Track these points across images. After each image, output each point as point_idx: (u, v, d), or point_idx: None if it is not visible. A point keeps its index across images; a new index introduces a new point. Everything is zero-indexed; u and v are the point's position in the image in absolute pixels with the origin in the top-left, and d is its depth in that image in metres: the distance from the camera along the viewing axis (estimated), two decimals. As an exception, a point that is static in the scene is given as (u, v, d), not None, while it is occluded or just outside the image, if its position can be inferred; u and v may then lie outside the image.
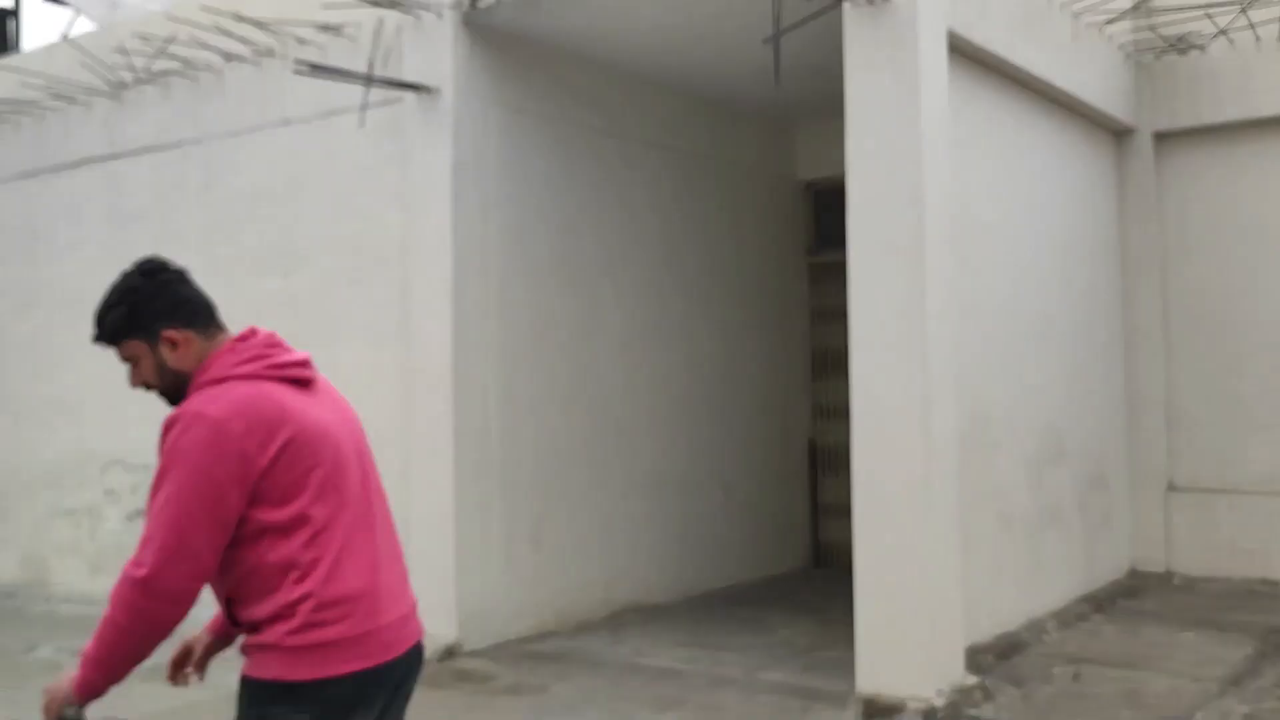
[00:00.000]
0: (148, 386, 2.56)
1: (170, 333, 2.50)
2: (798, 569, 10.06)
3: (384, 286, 7.70)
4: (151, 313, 2.49)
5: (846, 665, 6.03)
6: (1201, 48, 8.73)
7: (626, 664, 6.89)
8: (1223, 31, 8.45)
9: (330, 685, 2.33)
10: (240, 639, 2.49)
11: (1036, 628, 7.14)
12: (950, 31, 6.24)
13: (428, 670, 7.22)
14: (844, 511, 9.46)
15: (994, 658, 6.46)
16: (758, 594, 8.98)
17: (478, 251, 7.34)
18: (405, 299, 7.48)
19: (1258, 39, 8.48)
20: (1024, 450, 7.34)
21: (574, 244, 8.12)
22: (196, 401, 2.39)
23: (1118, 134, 8.99)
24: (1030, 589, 7.32)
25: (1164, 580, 8.71)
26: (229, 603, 2.49)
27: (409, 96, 7.32)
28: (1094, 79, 8.22)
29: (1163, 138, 9.02)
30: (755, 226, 9.86)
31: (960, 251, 6.35)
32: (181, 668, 2.71)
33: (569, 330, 8.05)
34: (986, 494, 6.84)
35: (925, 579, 5.74)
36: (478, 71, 7.37)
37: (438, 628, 7.07)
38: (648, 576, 8.58)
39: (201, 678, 2.71)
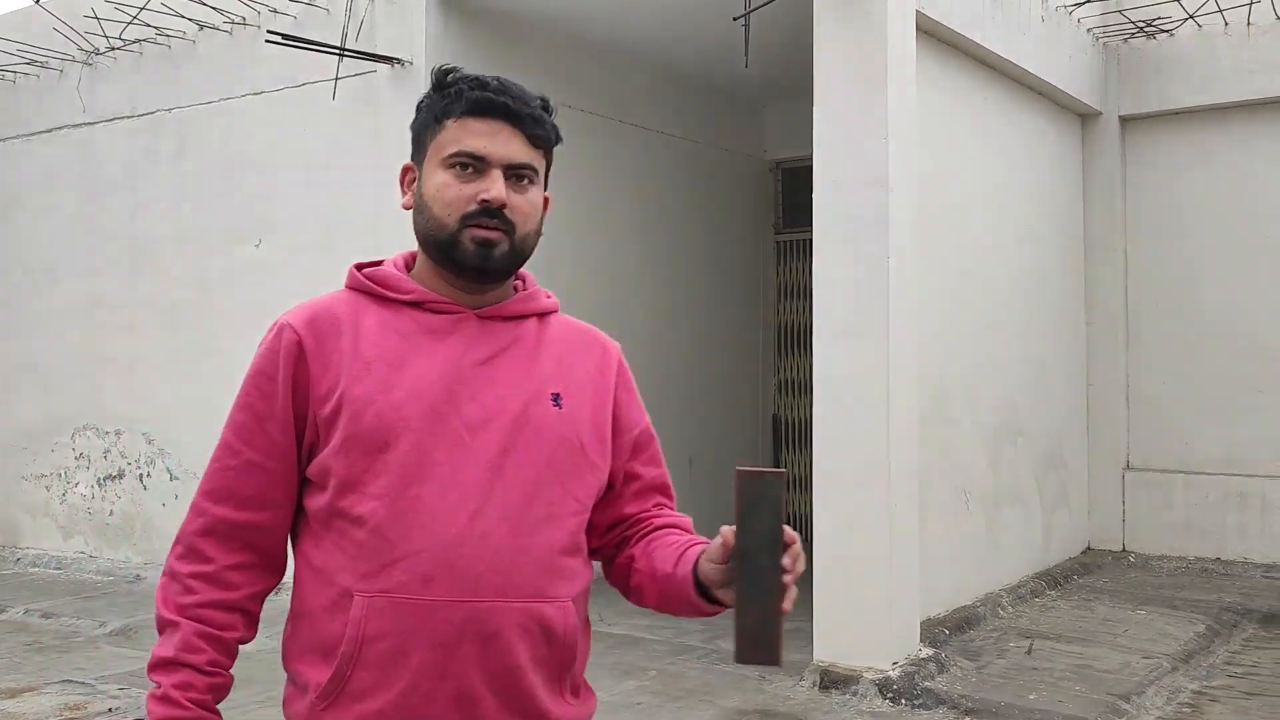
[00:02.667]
0: (505, 229, 1.74)
1: (547, 195, 1.90)
2: (763, 542, 10.18)
3: (357, 257, 7.68)
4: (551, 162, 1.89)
5: (805, 636, 6.16)
6: (1170, 32, 8.84)
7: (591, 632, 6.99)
8: (1191, 16, 8.57)
9: None
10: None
11: (992, 602, 7.29)
12: (919, 12, 6.32)
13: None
14: (806, 485, 9.58)
15: (949, 631, 6.60)
16: (723, 566, 9.09)
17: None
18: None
19: (1226, 24, 8.61)
20: (983, 428, 7.47)
21: (545, 218, 8.15)
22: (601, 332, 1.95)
23: (1084, 117, 9.10)
24: (987, 564, 7.47)
25: (1119, 558, 8.89)
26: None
27: (382, 69, 7.35)
28: (1062, 62, 8.31)
29: (1128, 122, 9.14)
30: (723, 204, 9.94)
31: (924, 231, 6.45)
32: None
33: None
34: (945, 470, 6.97)
35: (883, 553, 5.87)
36: (451, 44, 7.40)
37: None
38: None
39: None
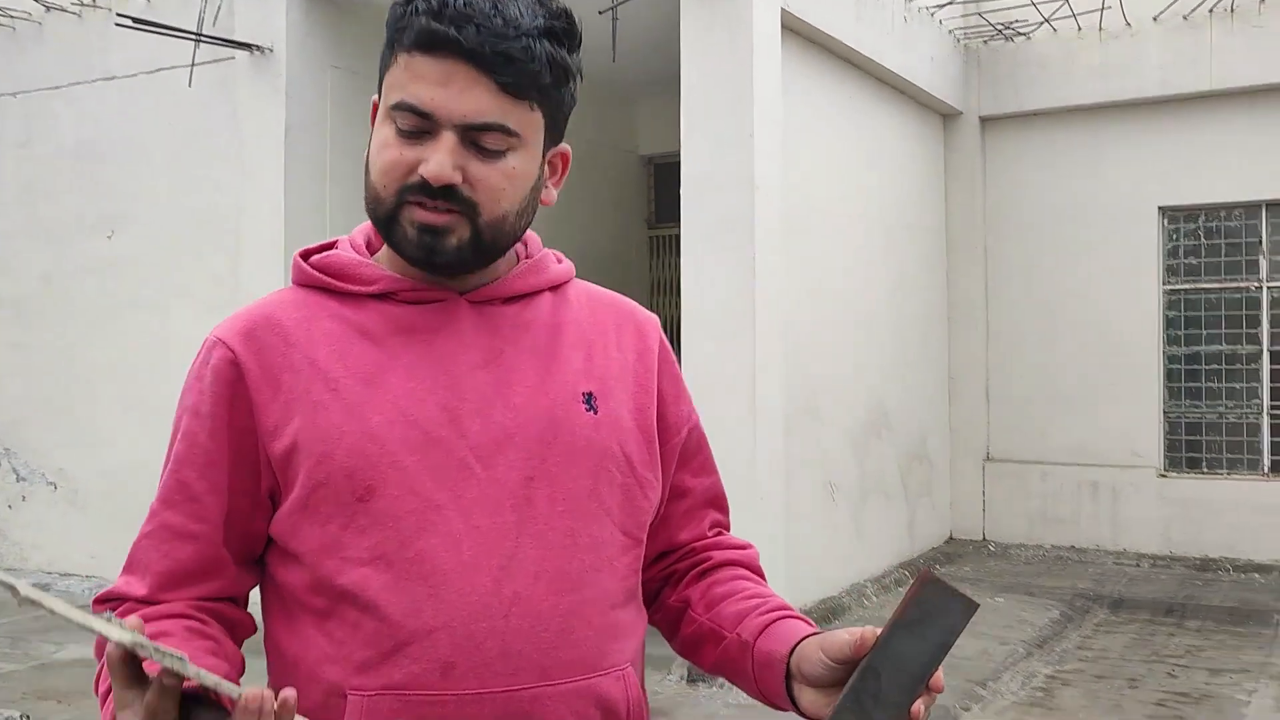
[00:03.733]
0: (462, 209, 1.24)
1: (564, 150, 1.40)
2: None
3: (215, 251, 7.50)
4: (568, 109, 1.38)
5: (674, 631, 6.17)
6: (1027, 35, 9.10)
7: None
8: (1046, 20, 8.84)
9: None
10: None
11: (857, 592, 7.42)
12: (784, 11, 6.37)
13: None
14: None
15: (816, 621, 6.68)
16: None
17: (313, 216, 7.20)
18: (238, 264, 7.30)
19: (1079, 28, 8.90)
20: (849, 423, 7.60)
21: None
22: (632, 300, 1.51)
23: (946, 117, 9.32)
24: (853, 556, 7.61)
25: (980, 547, 9.14)
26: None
27: (241, 55, 7.11)
28: (924, 63, 8.49)
29: (988, 121, 9.39)
30: (596, 199, 9.90)
31: (791, 228, 6.52)
32: None
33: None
34: (812, 465, 7.07)
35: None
36: (313, 31, 7.20)
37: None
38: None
39: None
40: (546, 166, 1.33)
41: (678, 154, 6.42)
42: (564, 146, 1.37)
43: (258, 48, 7.03)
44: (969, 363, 9.32)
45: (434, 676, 1.20)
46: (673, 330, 10.03)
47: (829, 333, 7.36)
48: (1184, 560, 8.52)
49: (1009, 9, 8.89)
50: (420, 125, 1.22)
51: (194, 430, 1.26)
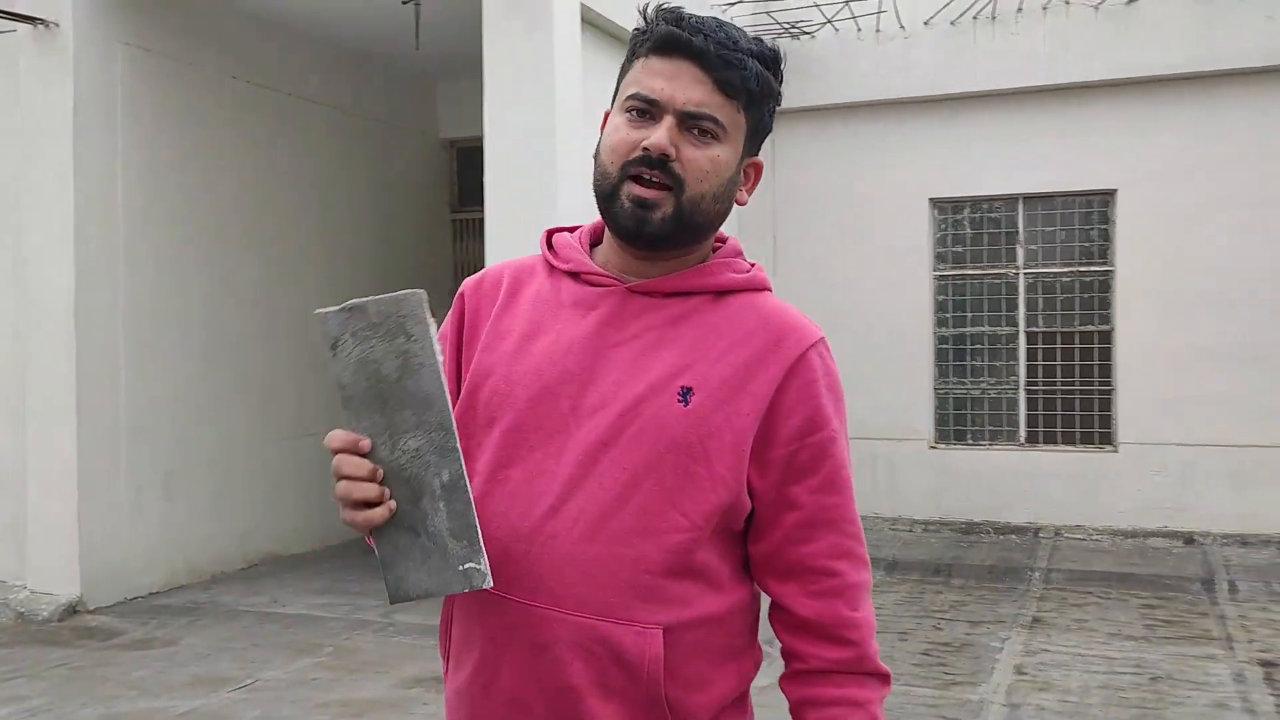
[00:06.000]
0: (670, 184, 1.47)
1: (758, 162, 1.59)
2: (440, 517, 10.32)
3: (-5, 229, 7.23)
4: (766, 127, 1.56)
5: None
6: (812, 35, 9.62)
7: (262, 613, 6.93)
8: (829, 21, 9.37)
9: None
10: None
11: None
12: (584, 5, 6.61)
13: (48, 629, 6.91)
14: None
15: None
16: (399, 542, 9.16)
17: (102, 196, 7.03)
18: (20, 244, 7.06)
19: (859, 30, 9.47)
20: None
21: (210, 191, 7.92)
22: (805, 320, 1.60)
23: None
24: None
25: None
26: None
27: (24, 29, 6.87)
28: (717, 58, 8.87)
29: (778, 115, 9.82)
30: (398, 181, 9.94)
31: (590, 212, 6.75)
32: None
33: (205, 280, 7.86)
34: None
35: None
36: (101, 6, 7.02)
37: (59, 585, 6.84)
38: (286, 527, 8.57)
39: None
40: (742, 172, 1.55)
41: (481, 137, 6.58)
42: (758, 159, 1.58)
43: (42, 21, 6.80)
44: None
45: None
46: (475, 313, 10.17)
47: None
48: (952, 524, 9.24)
49: (794, 9, 9.38)
50: (648, 110, 1.47)
51: (441, 344, 1.56)
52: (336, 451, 1.35)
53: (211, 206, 7.94)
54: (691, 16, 1.48)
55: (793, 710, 1.56)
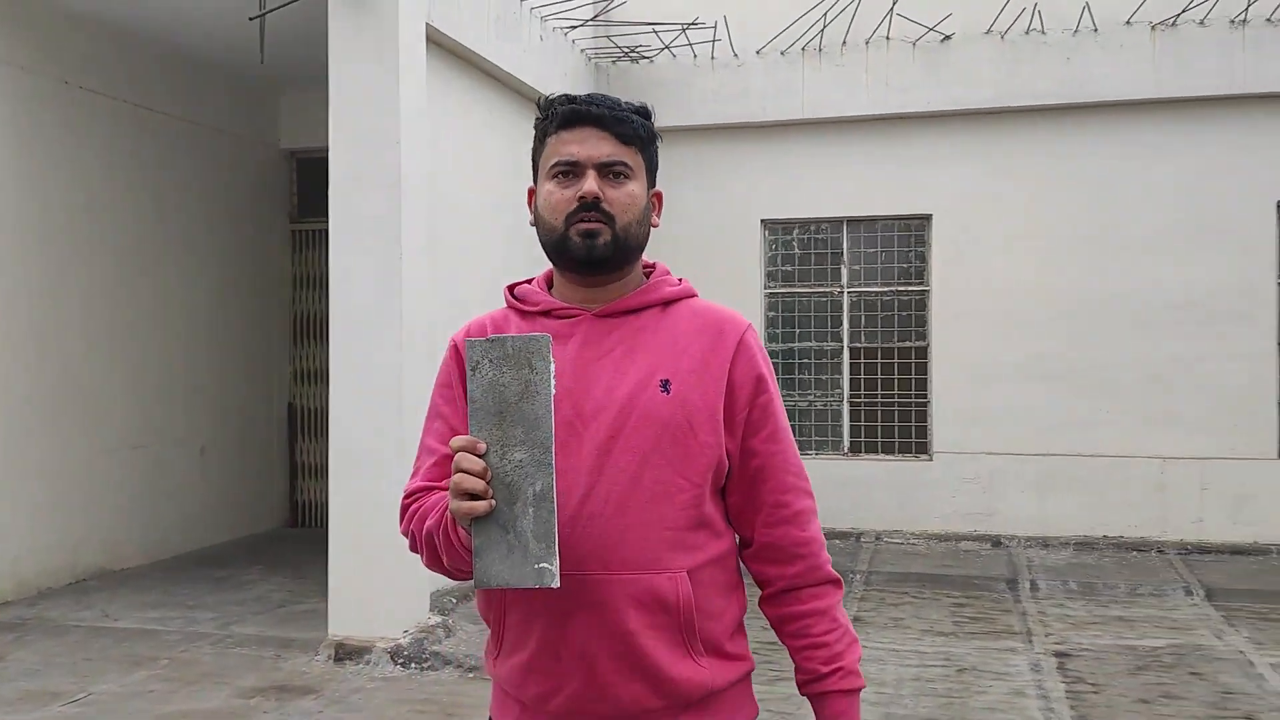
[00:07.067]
0: (605, 220, 1.88)
1: (659, 192, 2.05)
2: (276, 529, 10.24)
3: None
4: (656, 164, 2.02)
5: (321, 615, 6.43)
6: (651, 59, 9.96)
7: (93, 627, 6.81)
8: (667, 47, 9.72)
9: None
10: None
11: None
12: (429, 25, 6.75)
13: None
14: (322, 472, 9.75)
15: (456, 599, 7.13)
16: (235, 554, 9.09)
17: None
18: None
19: (695, 56, 9.85)
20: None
21: (39, 200, 7.74)
22: (734, 312, 2.03)
23: (579, 129, 9.99)
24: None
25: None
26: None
27: None
28: (559, 79, 9.11)
29: (617, 136, 10.15)
30: (237, 192, 9.84)
31: (437, 230, 6.90)
32: None
33: (35, 289, 7.67)
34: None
35: (394, 530, 6.21)
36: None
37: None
38: (117, 540, 8.40)
39: None
40: (651, 201, 1.97)
41: (322, 149, 6.63)
42: (658, 189, 2.02)
43: None
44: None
45: None
46: (318, 324, 10.16)
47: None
48: (780, 532, 9.63)
49: (634, 34, 9.70)
50: (571, 170, 1.88)
51: (445, 395, 1.98)
52: (458, 450, 1.65)
53: (43, 214, 7.75)
54: (581, 96, 1.93)
55: (773, 625, 2.00)
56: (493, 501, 1.62)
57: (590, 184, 1.86)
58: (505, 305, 2.04)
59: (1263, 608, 7.50)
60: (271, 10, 6.16)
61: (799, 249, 10.04)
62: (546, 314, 1.95)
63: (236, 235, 9.81)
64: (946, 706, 5.50)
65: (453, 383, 1.96)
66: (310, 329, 10.48)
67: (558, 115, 1.91)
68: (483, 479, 1.62)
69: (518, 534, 1.61)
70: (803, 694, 1.99)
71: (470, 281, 7.83)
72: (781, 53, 9.71)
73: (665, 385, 1.87)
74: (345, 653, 6.15)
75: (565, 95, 1.94)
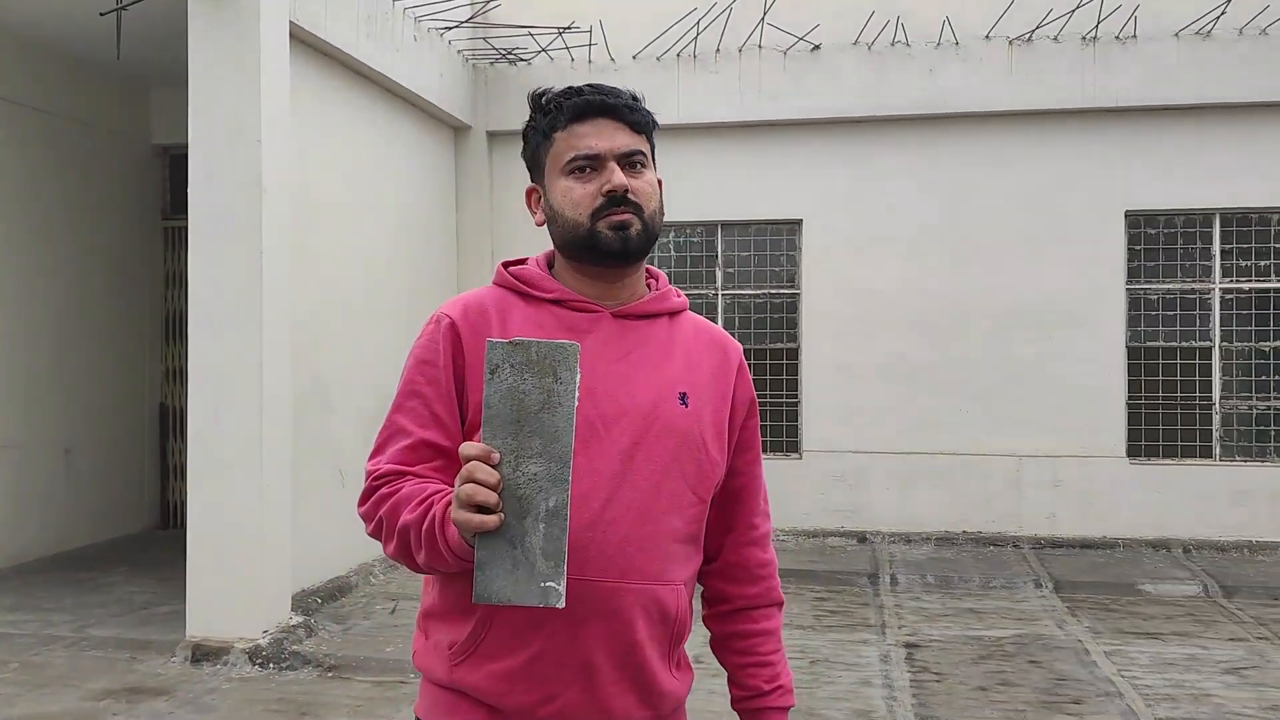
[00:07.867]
0: (635, 210, 1.83)
1: (659, 179, 1.98)
2: (145, 530, 10.08)
3: None
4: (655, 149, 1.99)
5: (182, 617, 6.38)
6: (528, 61, 10.03)
7: (-57, 633, 6.66)
8: (544, 49, 9.80)
9: None
10: None
11: (365, 571, 7.93)
12: (294, 24, 6.74)
13: None
14: (185, 472, 9.56)
15: (322, 599, 7.13)
16: (101, 556, 8.93)
17: None
18: None
19: (572, 59, 9.95)
20: (361, 411, 8.07)
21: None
22: (727, 333, 2.04)
23: (457, 130, 10.05)
24: (361, 537, 8.05)
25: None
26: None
27: None
28: (434, 80, 9.15)
29: (495, 136, 10.23)
30: (105, 188, 9.66)
31: (301, 229, 6.89)
32: None
33: (-118, 284, 7.47)
34: (323, 452, 7.48)
35: (254, 530, 6.25)
36: None
37: None
38: (-26, 545, 8.21)
39: None
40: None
41: (190, 148, 6.57)
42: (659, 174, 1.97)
43: None
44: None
45: None
46: (181, 323, 10.02)
47: (340, 326, 7.79)
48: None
49: (511, 37, 9.77)
50: (590, 164, 1.81)
51: (427, 373, 1.82)
52: (470, 458, 1.53)
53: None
54: (584, 86, 1.87)
55: (716, 640, 2.02)
56: (502, 516, 1.52)
57: (619, 176, 1.80)
58: (497, 284, 1.91)
59: (1105, 599, 7.87)
60: (125, 6, 6.09)
61: (675, 251, 10.20)
62: (560, 303, 1.87)
63: (106, 231, 9.63)
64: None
65: (439, 361, 1.82)
66: (183, 327, 10.30)
67: (566, 109, 1.84)
68: (496, 490, 1.52)
69: (525, 550, 1.52)
70: (737, 709, 1.99)
71: (343, 281, 7.82)
72: (657, 58, 9.87)
73: (684, 398, 1.85)
74: (203, 654, 6.12)
75: (568, 88, 1.87)
